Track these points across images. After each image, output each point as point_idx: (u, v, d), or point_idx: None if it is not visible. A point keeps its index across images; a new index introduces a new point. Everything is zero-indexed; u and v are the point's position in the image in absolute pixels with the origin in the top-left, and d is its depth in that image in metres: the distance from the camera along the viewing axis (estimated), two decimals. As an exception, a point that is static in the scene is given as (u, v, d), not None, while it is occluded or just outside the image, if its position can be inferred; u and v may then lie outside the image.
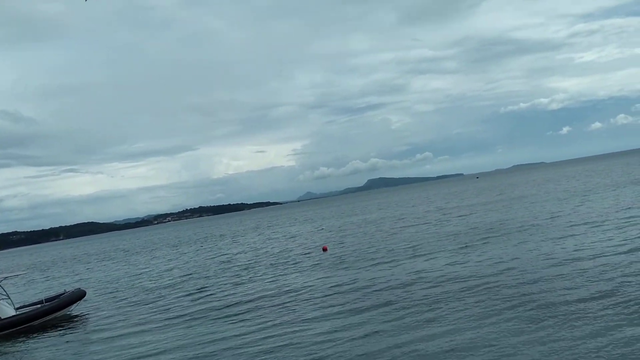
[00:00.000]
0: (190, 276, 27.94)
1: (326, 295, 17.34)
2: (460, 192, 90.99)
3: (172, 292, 23.70)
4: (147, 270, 36.76)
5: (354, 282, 18.90)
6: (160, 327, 16.88)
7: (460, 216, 39.02)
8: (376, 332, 12.36)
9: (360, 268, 22.03)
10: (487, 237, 25.09)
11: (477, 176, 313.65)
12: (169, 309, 19.72)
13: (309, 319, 14.59)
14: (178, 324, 16.75)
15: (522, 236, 23.42)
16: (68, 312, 22.46)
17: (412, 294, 15.73)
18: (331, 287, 18.77)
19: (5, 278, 23.35)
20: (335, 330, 12.93)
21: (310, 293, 18.21)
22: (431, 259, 21.43)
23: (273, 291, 19.64)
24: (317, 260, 26.57)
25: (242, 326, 14.82)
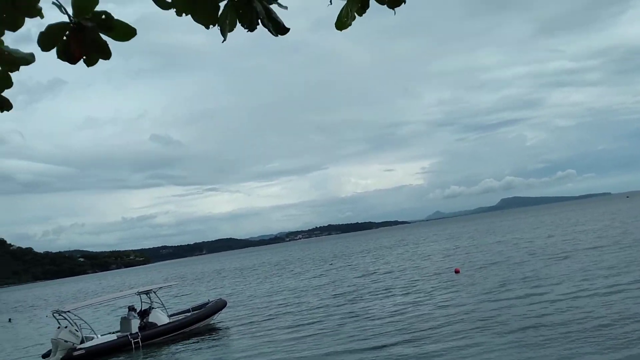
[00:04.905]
0: (338, 296, 26.26)
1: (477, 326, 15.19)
2: (628, 209, 78.07)
3: (315, 311, 22.62)
4: (289, 286, 36.78)
5: (495, 313, 16.18)
6: (300, 344, 16.26)
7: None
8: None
9: (506, 297, 18.74)
10: None
11: (628, 195, 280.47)
12: (310, 327, 18.98)
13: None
14: (319, 346, 15.63)
15: None
16: (211, 321, 23.31)
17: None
18: (472, 316, 16.34)
19: (160, 288, 24.44)
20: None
21: (452, 322, 16.08)
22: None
23: (424, 317, 17.93)
24: (451, 284, 24.29)
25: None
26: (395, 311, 19.41)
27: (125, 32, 1.99)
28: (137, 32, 2.02)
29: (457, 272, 28.45)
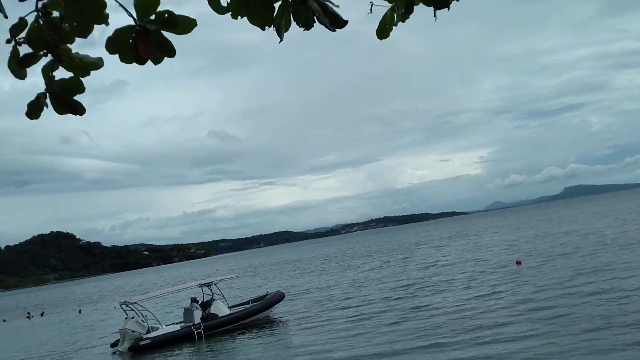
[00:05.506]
0: (397, 289, 25.78)
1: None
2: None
3: (374, 305, 22.25)
4: (347, 278, 36.81)
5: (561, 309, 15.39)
6: (359, 339, 16.20)
7: None
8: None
9: (574, 291, 17.82)
10: None
11: None
12: (369, 321, 18.77)
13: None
14: (380, 344, 15.33)
15: None
16: (270, 313, 23.73)
17: None
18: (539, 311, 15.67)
19: (221, 280, 25.05)
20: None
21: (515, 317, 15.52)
22: None
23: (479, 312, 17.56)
24: (515, 277, 23.38)
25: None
26: (457, 305, 18.95)
27: (186, 25, 2.02)
28: (195, 32, 2.07)
29: (518, 263, 27.60)
